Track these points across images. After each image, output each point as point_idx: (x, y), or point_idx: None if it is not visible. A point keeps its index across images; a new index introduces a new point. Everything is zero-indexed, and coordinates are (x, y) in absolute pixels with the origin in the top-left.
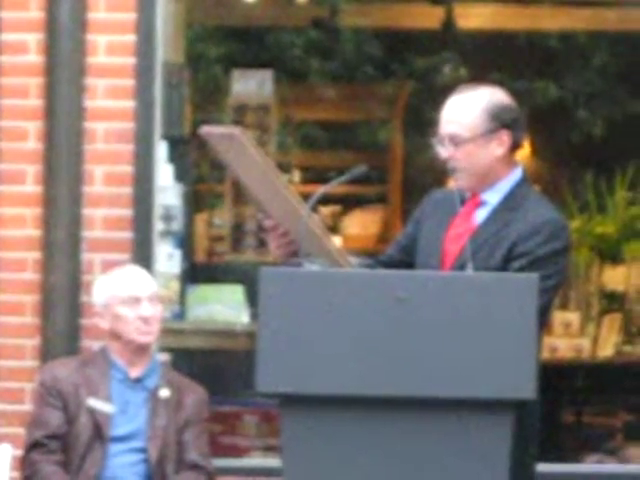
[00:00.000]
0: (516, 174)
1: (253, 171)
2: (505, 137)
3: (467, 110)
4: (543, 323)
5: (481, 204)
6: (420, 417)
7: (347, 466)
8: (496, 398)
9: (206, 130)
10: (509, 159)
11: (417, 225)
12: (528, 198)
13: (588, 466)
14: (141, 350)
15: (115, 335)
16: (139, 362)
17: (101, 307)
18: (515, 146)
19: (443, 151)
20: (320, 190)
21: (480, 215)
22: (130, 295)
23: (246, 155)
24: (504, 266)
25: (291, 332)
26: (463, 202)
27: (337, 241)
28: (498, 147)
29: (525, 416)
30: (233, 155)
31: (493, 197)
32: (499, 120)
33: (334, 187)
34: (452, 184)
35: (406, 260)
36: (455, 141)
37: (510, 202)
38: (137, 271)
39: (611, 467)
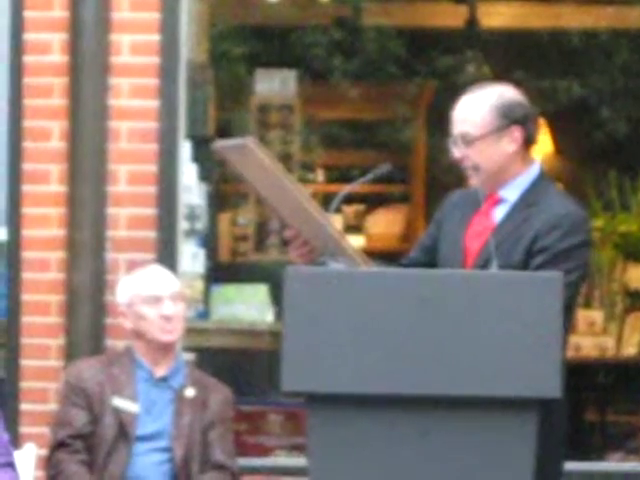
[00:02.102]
0: (533, 170)
1: (268, 180)
2: (517, 133)
3: (476, 108)
4: (568, 319)
5: (499, 201)
6: (445, 415)
7: (373, 465)
8: (521, 396)
9: (219, 144)
10: (524, 155)
11: (438, 226)
12: (547, 193)
13: (611, 464)
14: (165, 349)
15: (138, 335)
16: (164, 361)
17: (124, 307)
18: (529, 142)
19: (456, 151)
20: (345, 189)
21: (499, 212)
22: (151, 294)
23: (260, 164)
24: (525, 262)
25: (316, 331)
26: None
27: (360, 240)
28: (510, 144)
29: (552, 414)
30: (247, 166)
31: (511, 194)
32: (509, 117)
33: (358, 186)
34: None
35: (429, 261)
36: (466, 140)
37: (529, 198)
38: (159, 270)
39: (634, 465)
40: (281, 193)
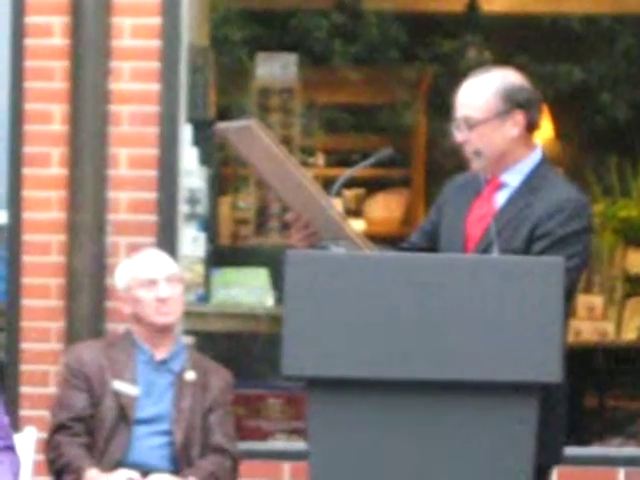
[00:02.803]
0: (536, 155)
1: (271, 162)
2: (519, 117)
3: (479, 92)
4: (569, 304)
5: (501, 186)
6: (446, 400)
7: (372, 449)
8: (522, 381)
9: (221, 126)
10: (527, 140)
11: (439, 211)
12: (548, 179)
13: (611, 449)
14: (163, 331)
15: (137, 318)
16: (163, 344)
17: (122, 292)
18: (531, 127)
19: (459, 135)
20: (346, 173)
21: (501, 197)
22: (147, 277)
23: (263, 146)
24: (527, 247)
25: (317, 315)
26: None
27: (360, 224)
28: (513, 128)
29: (553, 399)
30: (250, 148)
31: (513, 179)
32: (512, 101)
33: (359, 170)
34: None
35: (430, 246)
36: (469, 124)
37: (531, 183)
38: (154, 253)
39: (634, 450)
40: (283, 175)
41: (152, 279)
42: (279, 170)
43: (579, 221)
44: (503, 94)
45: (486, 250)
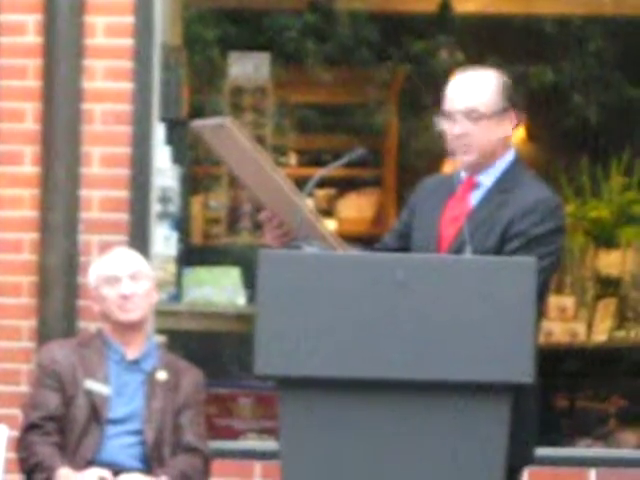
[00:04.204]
0: (509, 155)
1: (245, 160)
2: (514, 117)
3: (484, 87)
4: (541, 304)
5: (475, 186)
6: (418, 400)
7: (344, 448)
8: (494, 382)
9: (197, 124)
10: (508, 140)
11: (411, 212)
12: (522, 179)
13: (580, 450)
14: (132, 329)
15: (105, 317)
16: (134, 343)
17: (93, 290)
18: (515, 127)
19: (456, 127)
20: (319, 173)
21: (475, 197)
22: (110, 275)
23: (238, 144)
24: (500, 247)
25: (289, 314)
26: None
27: (332, 224)
28: (509, 126)
29: (524, 400)
30: (225, 146)
31: (487, 179)
32: (510, 100)
33: (332, 170)
34: (448, 168)
35: (402, 247)
36: (473, 116)
37: (504, 183)
38: (121, 251)
39: (604, 451)
40: (257, 173)
41: (115, 276)
42: (253, 168)
43: (552, 221)
44: (504, 92)
45: (459, 250)
